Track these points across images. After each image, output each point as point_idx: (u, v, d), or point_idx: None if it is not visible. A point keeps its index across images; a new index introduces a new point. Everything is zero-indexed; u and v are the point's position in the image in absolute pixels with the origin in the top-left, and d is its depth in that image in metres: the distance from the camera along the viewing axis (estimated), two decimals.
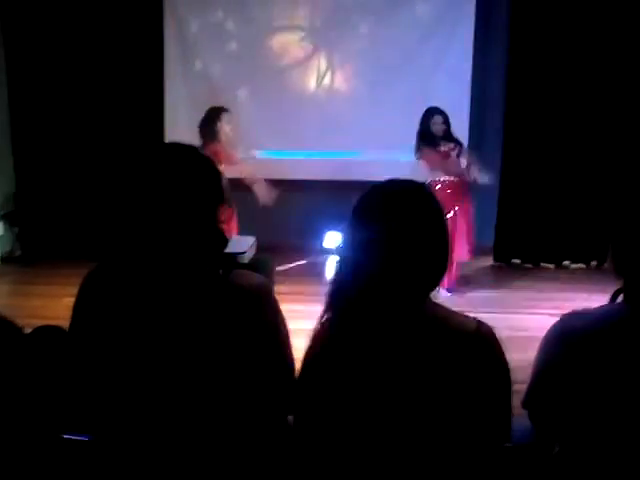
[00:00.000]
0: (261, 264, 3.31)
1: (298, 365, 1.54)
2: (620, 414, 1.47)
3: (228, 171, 4.89)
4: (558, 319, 1.61)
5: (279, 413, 1.57)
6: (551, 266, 6.66)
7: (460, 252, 5.43)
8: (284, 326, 1.57)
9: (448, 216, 5.09)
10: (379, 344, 1.40)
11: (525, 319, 4.79)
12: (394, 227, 1.40)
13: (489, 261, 6.71)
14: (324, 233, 6.54)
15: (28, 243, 6.66)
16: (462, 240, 5.45)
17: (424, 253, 1.41)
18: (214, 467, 1.34)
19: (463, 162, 5.55)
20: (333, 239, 6.37)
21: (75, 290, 1.58)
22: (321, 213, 6.38)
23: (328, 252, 6.18)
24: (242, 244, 3.30)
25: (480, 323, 1.45)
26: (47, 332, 1.68)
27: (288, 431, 1.55)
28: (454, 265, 5.47)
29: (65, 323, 1.82)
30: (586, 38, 6.29)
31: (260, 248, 5.67)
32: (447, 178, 5.45)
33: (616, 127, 6.36)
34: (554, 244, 6.66)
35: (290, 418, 1.55)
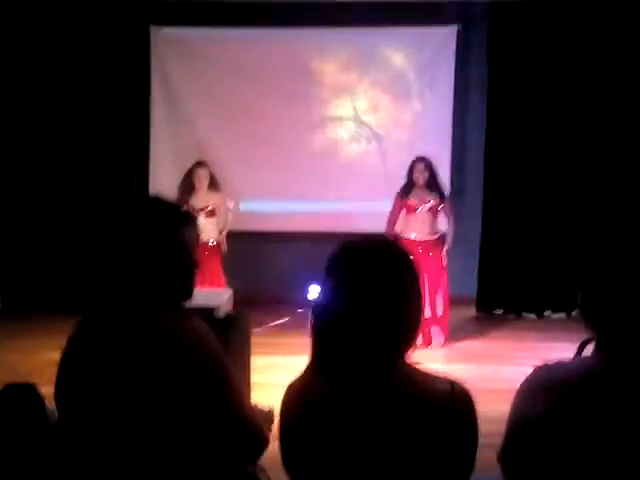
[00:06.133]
0: (236, 321, 3.29)
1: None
2: (596, 465, 1.48)
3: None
4: (532, 371, 1.62)
5: (235, 464, 1.57)
6: (533, 316, 6.72)
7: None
8: (227, 373, 1.55)
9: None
10: (351, 410, 1.39)
11: (506, 370, 4.77)
12: (359, 287, 1.39)
13: (472, 311, 6.74)
14: (308, 285, 6.53)
15: (8, 296, 6.59)
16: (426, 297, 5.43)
17: (391, 313, 1.40)
18: None
19: (441, 218, 5.61)
20: (317, 291, 6.36)
21: (55, 343, 1.61)
22: (305, 265, 6.39)
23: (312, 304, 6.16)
24: (217, 298, 3.27)
25: (453, 386, 1.43)
26: (16, 391, 1.65)
27: None
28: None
29: (44, 378, 1.83)
30: (561, 86, 6.49)
31: (244, 300, 5.68)
32: (414, 236, 5.46)
33: (595, 176, 6.49)
34: (536, 294, 6.72)
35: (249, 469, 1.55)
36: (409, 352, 1.45)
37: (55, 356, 1.65)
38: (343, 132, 7.01)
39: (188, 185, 5.71)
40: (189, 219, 1.64)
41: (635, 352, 1.51)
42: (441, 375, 1.47)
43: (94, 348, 1.51)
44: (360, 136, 7.00)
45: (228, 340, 2.94)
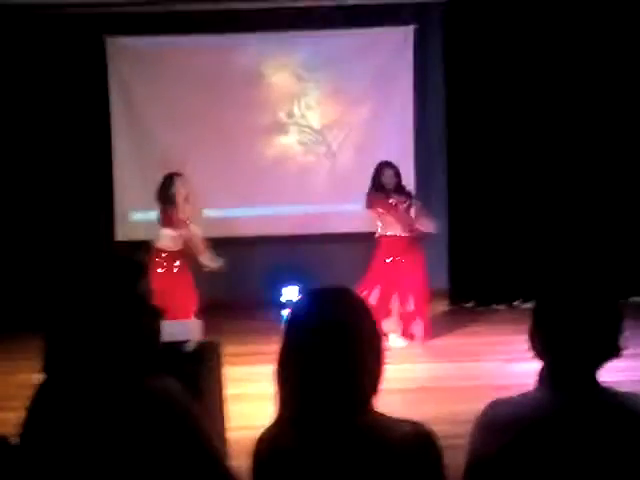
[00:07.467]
0: (206, 354, 3.27)
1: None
2: None
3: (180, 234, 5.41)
4: (485, 407, 1.64)
5: None
6: (503, 307, 6.80)
7: (405, 303, 5.61)
8: (199, 431, 1.56)
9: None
10: (319, 457, 1.42)
11: (478, 367, 4.84)
12: (319, 335, 1.43)
13: (444, 306, 6.81)
14: (281, 288, 6.55)
15: None
16: (407, 292, 5.61)
17: (352, 360, 1.42)
18: None
19: (412, 215, 5.71)
20: (290, 293, 6.38)
21: (31, 365, 1.62)
22: (277, 268, 6.44)
23: (286, 306, 6.17)
24: (185, 331, 3.24)
25: (417, 429, 1.46)
26: None
27: None
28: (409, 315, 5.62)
29: (17, 403, 1.80)
30: (518, 82, 6.60)
31: (215, 306, 5.64)
32: (395, 233, 5.61)
33: (555, 164, 6.63)
34: (506, 284, 6.81)
35: None
36: (373, 399, 1.47)
37: (31, 378, 1.62)
38: (297, 137, 7.04)
39: (169, 196, 5.41)
40: (143, 269, 1.64)
41: (583, 389, 1.57)
42: (404, 419, 1.49)
43: (64, 411, 1.50)
44: (313, 141, 7.03)
45: (199, 375, 2.97)
